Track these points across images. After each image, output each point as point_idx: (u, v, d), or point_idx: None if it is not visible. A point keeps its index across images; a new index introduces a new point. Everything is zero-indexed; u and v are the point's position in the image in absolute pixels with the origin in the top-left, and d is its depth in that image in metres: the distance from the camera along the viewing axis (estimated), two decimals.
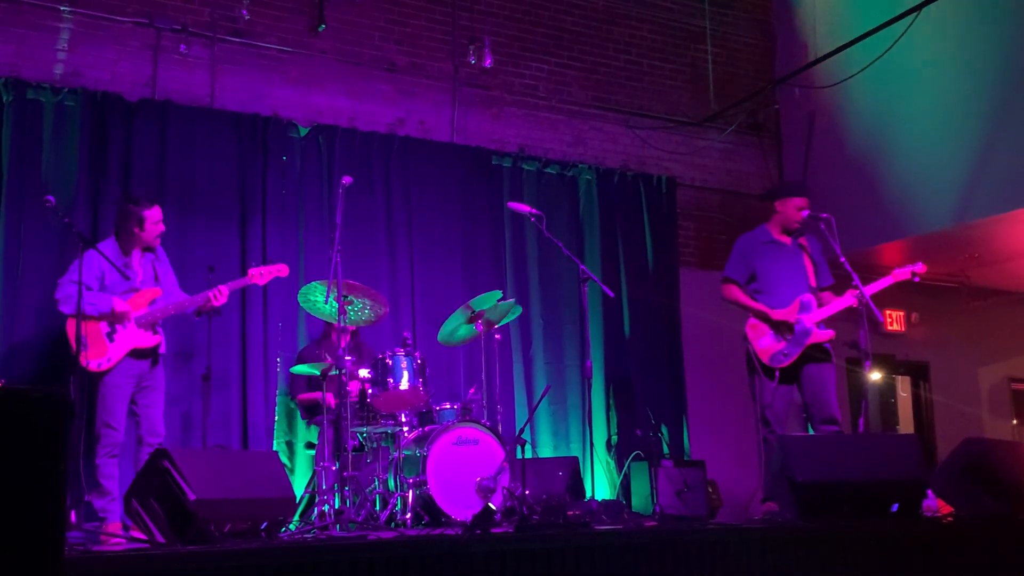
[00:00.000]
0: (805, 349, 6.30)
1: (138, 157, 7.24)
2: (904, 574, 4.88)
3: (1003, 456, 5.68)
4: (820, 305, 6.39)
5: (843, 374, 10.20)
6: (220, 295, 6.07)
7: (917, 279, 6.40)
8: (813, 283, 6.47)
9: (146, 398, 6.04)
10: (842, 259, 6.35)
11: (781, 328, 6.35)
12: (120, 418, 5.89)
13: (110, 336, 5.88)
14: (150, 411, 6.04)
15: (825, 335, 6.34)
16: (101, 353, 5.83)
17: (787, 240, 6.61)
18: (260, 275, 6.35)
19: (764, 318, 6.39)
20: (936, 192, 8.77)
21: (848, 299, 6.32)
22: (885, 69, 8.70)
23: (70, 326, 5.81)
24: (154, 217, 6.11)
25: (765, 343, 6.38)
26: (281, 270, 6.45)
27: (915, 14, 8.14)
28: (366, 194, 7.92)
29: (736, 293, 6.54)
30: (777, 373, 6.28)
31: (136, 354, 5.95)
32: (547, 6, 9.28)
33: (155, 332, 6.03)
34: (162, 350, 6.13)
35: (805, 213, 6.52)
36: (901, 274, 6.42)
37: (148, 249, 6.16)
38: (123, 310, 5.88)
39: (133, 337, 5.93)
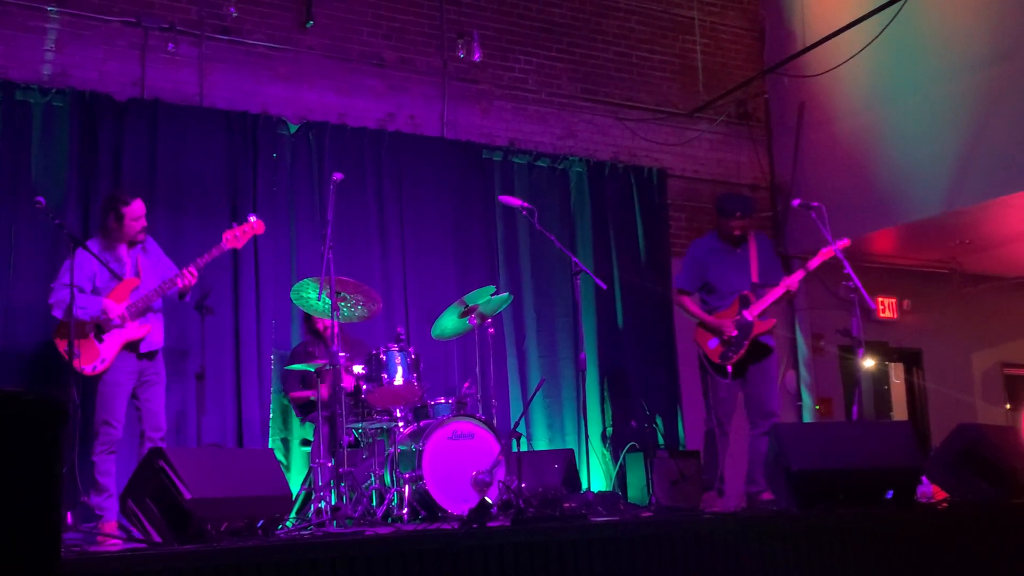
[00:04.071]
0: (751, 343, 6.51)
1: (128, 157, 7.22)
2: (900, 560, 4.90)
3: (997, 441, 5.70)
4: (759, 298, 6.60)
5: (836, 362, 10.27)
6: (189, 274, 6.01)
7: (841, 252, 6.56)
8: (755, 279, 6.68)
9: (147, 392, 6.03)
10: (834, 247, 6.39)
11: (725, 328, 6.56)
12: (119, 416, 5.88)
13: (98, 337, 5.86)
14: (152, 405, 6.03)
15: (766, 324, 6.58)
16: (94, 356, 5.82)
17: (736, 247, 6.81)
18: (235, 238, 6.23)
19: (707, 326, 6.63)
20: (926, 179, 8.78)
21: (779, 288, 6.59)
22: (874, 57, 8.71)
23: (59, 340, 5.80)
24: (133, 212, 6.03)
25: (713, 343, 6.59)
26: (256, 226, 6.32)
27: (902, 2, 8.15)
28: (357, 190, 7.91)
29: (688, 304, 6.80)
30: (729, 369, 6.49)
31: (130, 347, 5.94)
32: None
33: (143, 322, 5.99)
34: (160, 343, 6.11)
35: (738, 232, 6.75)
36: (826, 252, 6.63)
37: (134, 244, 6.13)
38: (117, 313, 5.86)
39: (122, 331, 5.91)
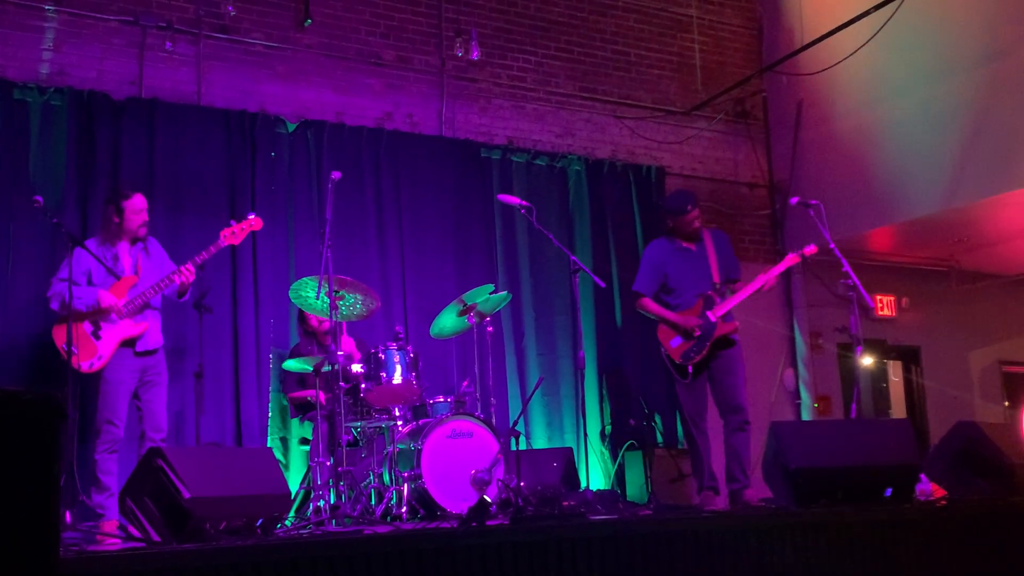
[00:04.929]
0: (713, 342, 6.51)
1: (126, 156, 7.22)
2: (899, 558, 4.90)
3: (995, 439, 5.70)
4: (723, 298, 6.61)
5: (834, 360, 10.27)
6: (187, 271, 6.01)
7: (808, 257, 6.69)
8: (716, 280, 6.68)
9: (148, 393, 6.02)
10: (831, 245, 6.40)
11: (689, 327, 6.54)
12: (121, 414, 5.87)
13: (95, 334, 5.85)
14: (152, 406, 6.02)
15: (729, 327, 6.56)
16: (91, 353, 5.82)
17: (692, 246, 6.80)
18: (232, 234, 6.23)
19: (672, 325, 6.60)
20: (924, 177, 8.79)
21: (745, 291, 6.62)
22: (871, 55, 8.70)
23: (56, 335, 5.79)
24: (134, 206, 6.05)
25: (676, 343, 6.57)
26: (254, 224, 6.32)
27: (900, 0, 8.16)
28: (355, 189, 7.91)
29: (648, 305, 6.78)
30: (690, 369, 6.48)
31: (127, 344, 5.93)
32: None
33: (139, 319, 5.98)
34: (159, 342, 6.11)
35: (697, 224, 6.77)
36: (792, 258, 6.72)
37: (136, 240, 6.12)
38: (110, 303, 5.85)
39: (119, 329, 5.90)
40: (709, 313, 6.52)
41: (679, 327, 6.54)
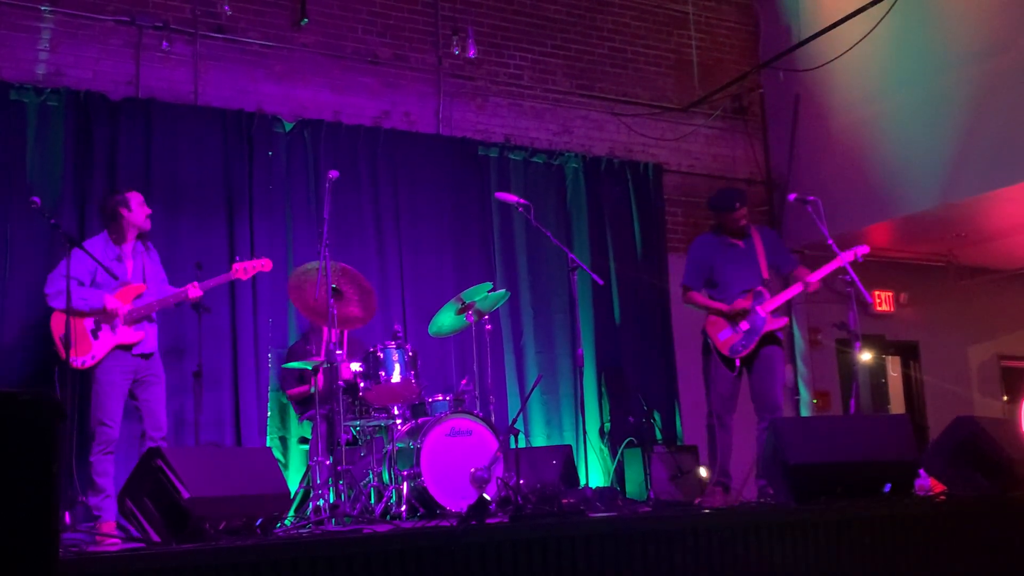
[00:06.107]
0: (761, 338, 6.46)
1: (123, 156, 7.21)
2: (898, 553, 4.91)
3: (994, 434, 5.70)
4: (773, 294, 6.56)
5: (833, 356, 10.28)
6: (193, 288, 6.05)
7: (861, 259, 6.53)
8: (765, 276, 6.63)
9: (147, 392, 6.00)
10: (829, 241, 6.41)
11: (737, 319, 6.48)
12: (115, 415, 5.85)
13: (94, 333, 5.85)
14: (152, 405, 6.01)
15: (779, 323, 6.53)
16: (85, 351, 5.81)
17: (740, 243, 6.73)
18: (244, 270, 6.30)
19: (721, 314, 6.54)
20: (922, 172, 8.79)
21: (797, 287, 6.57)
22: (869, 51, 8.71)
23: (55, 323, 5.78)
24: (138, 199, 6.12)
25: (724, 336, 6.52)
26: (264, 264, 6.40)
27: None
28: (353, 188, 7.91)
29: (696, 298, 6.71)
30: (738, 363, 6.44)
31: (122, 349, 5.93)
32: None
33: (138, 328, 5.98)
34: (154, 347, 6.11)
35: (744, 222, 6.69)
36: (846, 256, 6.52)
37: (141, 236, 6.13)
38: (114, 307, 5.85)
39: (118, 334, 5.90)
40: (759, 308, 6.46)
41: (728, 315, 6.48)
